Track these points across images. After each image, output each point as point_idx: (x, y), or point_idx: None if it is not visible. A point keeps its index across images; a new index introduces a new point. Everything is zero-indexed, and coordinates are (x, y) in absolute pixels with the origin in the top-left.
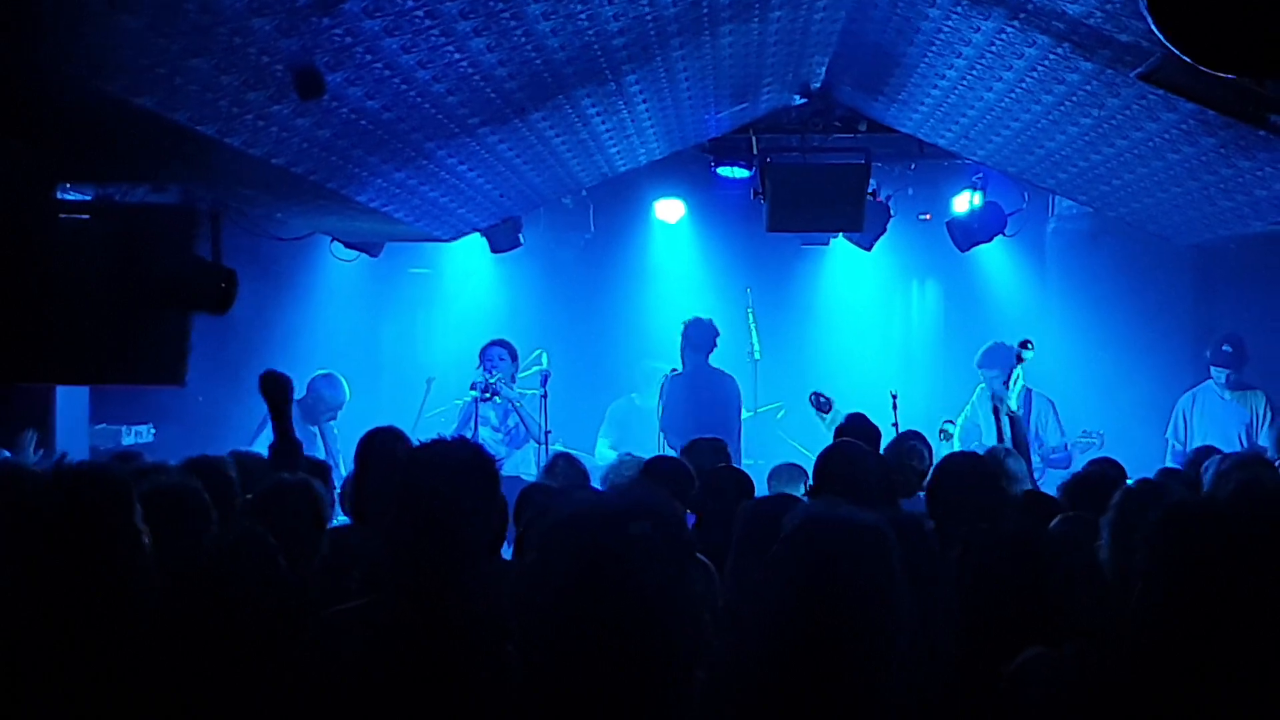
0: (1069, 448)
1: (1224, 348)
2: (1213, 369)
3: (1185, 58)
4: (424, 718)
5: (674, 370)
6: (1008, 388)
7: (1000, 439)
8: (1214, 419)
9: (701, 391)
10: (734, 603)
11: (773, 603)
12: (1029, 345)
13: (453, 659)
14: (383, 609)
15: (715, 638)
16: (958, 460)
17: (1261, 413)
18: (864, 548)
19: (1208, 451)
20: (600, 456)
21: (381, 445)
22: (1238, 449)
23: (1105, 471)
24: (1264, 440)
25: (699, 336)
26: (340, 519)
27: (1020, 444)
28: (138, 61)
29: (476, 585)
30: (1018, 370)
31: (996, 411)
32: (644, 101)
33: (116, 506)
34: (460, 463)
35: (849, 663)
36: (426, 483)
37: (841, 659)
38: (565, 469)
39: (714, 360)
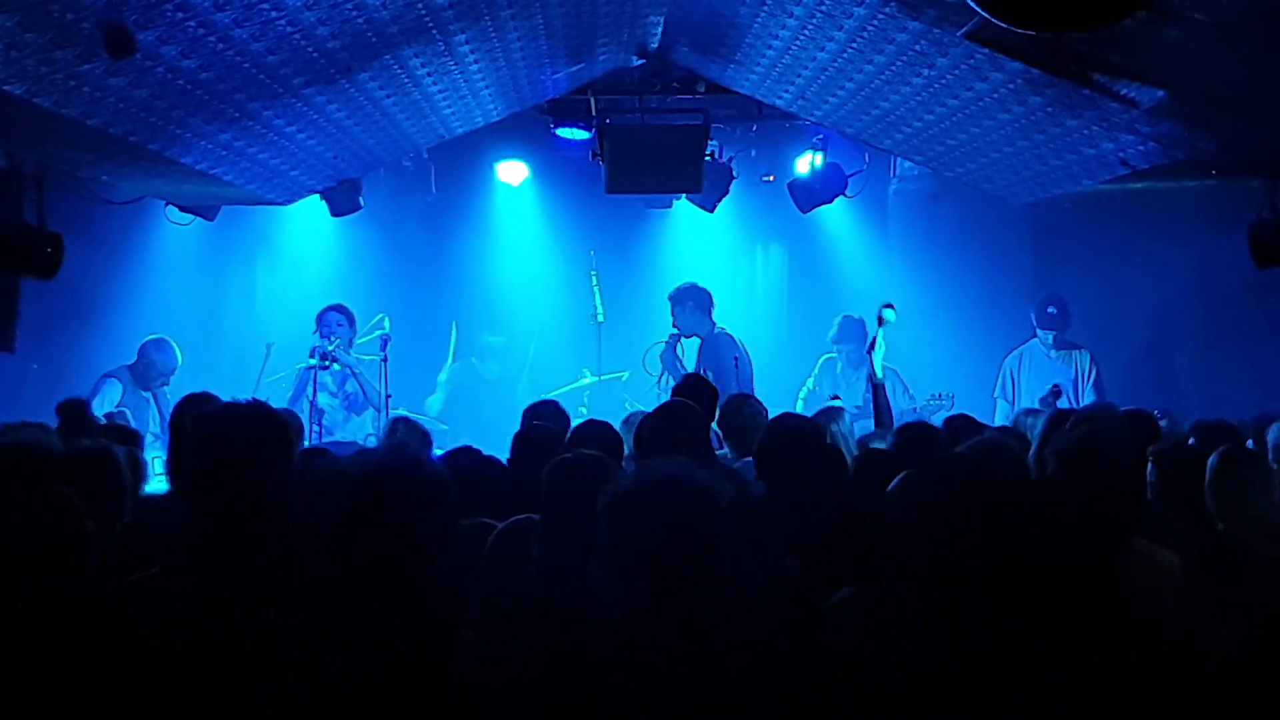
0: (918, 411)
1: (1048, 309)
2: (1038, 331)
3: (983, 13)
4: (221, 685)
5: (673, 335)
6: (869, 355)
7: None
8: (1040, 377)
9: (730, 350)
10: (547, 557)
11: (610, 561)
12: (891, 307)
13: (246, 625)
14: (178, 575)
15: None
16: (786, 422)
17: (1086, 370)
18: (698, 508)
19: (1029, 412)
20: (431, 408)
21: (194, 410)
22: (1065, 406)
23: (923, 428)
24: (1086, 399)
25: (702, 300)
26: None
27: (883, 413)
28: None
29: (270, 549)
30: (879, 332)
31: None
32: (476, 62)
33: None
34: (251, 424)
35: (687, 615)
36: (218, 445)
37: (680, 610)
38: (405, 432)
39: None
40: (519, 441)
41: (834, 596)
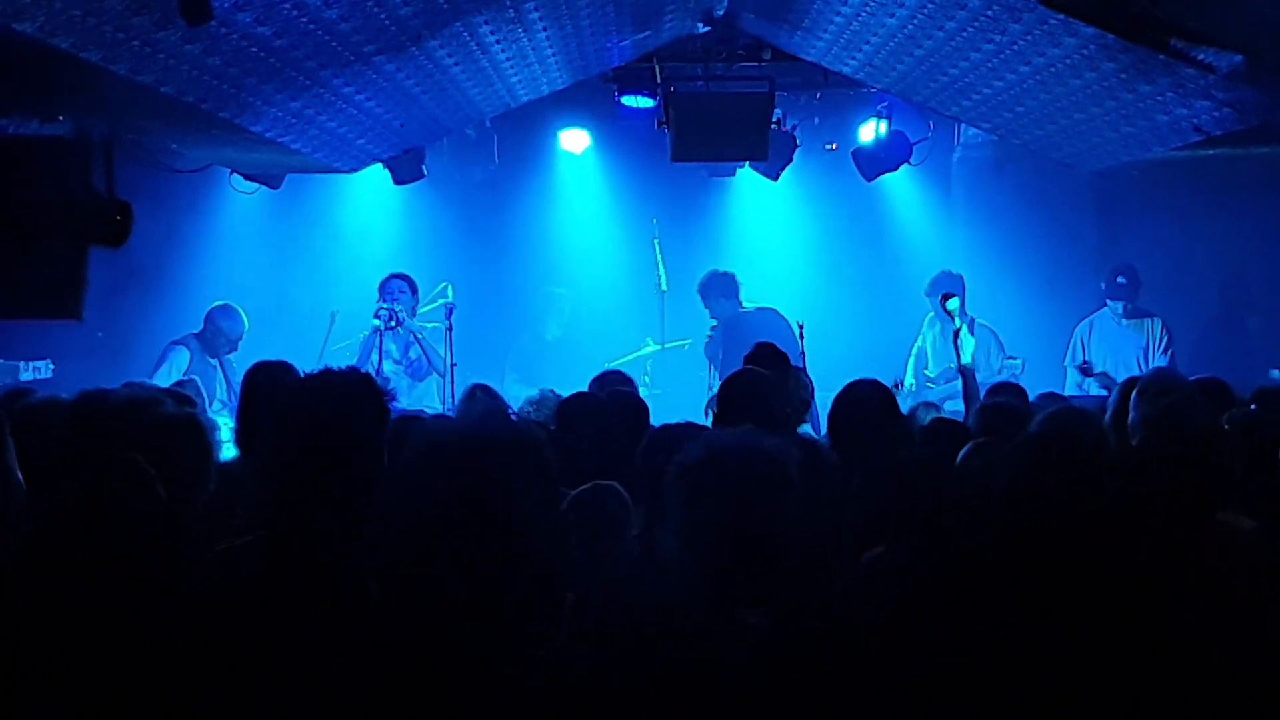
0: (1000, 372)
1: (1118, 280)
2: (1108, 301)
3: None
4: (308, 656)
5: (712, 328)
6: (955, 344)
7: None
8: (1111, 345)
9: (750, 333)
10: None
11: (683, 529)
12: (951, 297)
13: (333, 597)
14: (265, 546)
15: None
16: (858, 388)
17: (1158, 337)
18: (766, 475)
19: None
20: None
21: (268, 378)
22: (1135, 374)
23: (1011, 400)
24: (1157, 367)
25: (724, 286)
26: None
27: (972, 396)
28: None
29: (366, 518)
30: (962, 325)
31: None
32: (544, 29)
33: None
34: (349, 392)
35: (757, 582)
36: (315, 412)
37: (750, 578)
38: (484, 398)
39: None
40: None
41: (864, 555)
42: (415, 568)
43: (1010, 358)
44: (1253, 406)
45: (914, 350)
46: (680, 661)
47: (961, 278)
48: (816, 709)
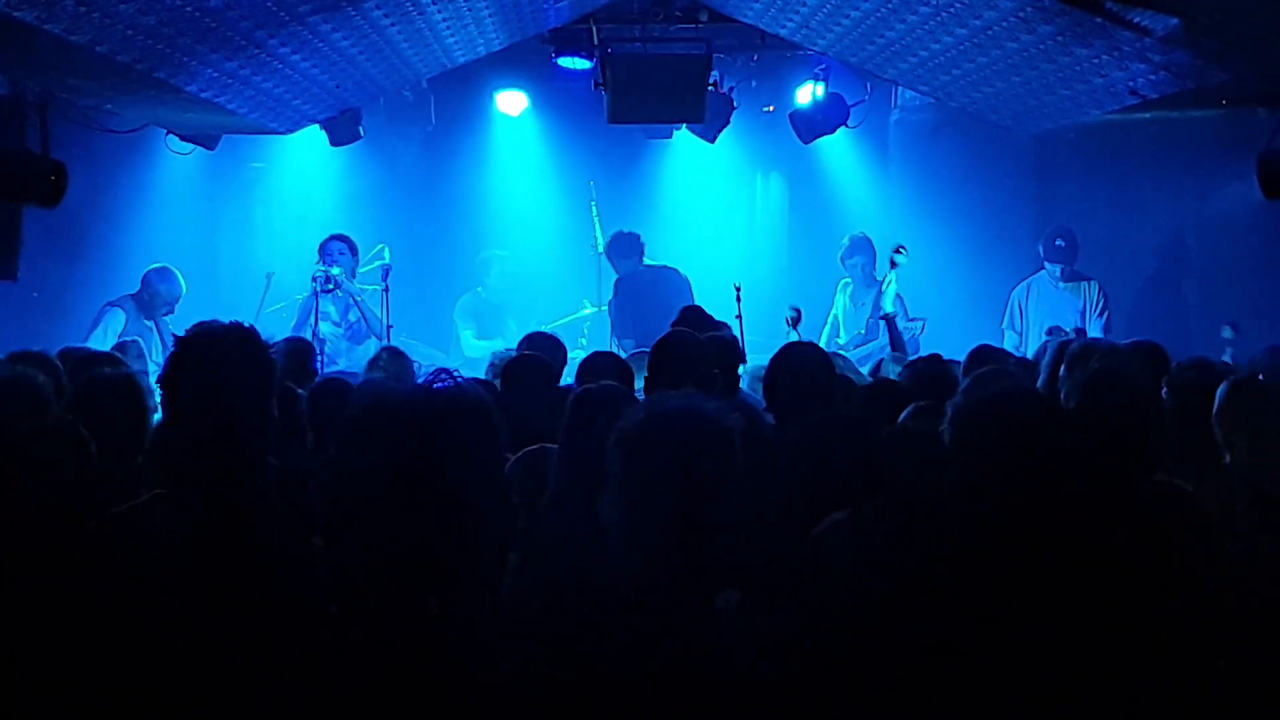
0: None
1: (1056, 242)
2: (1046, 264)
3: None
4: (218, 612)
5: (615, 284)
6: (879, 283)
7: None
8: (1048, 307)
9: (645, 289)
10: (561, 491)
11: (624, 495)
12: (902, 250)
13: (243, 551)
14: (171, 502)
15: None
16: (793, 351)
17: (1095, 300)
18: (710, 440)
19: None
20: (468, 347)
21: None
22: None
23: (937, 364)
24: (1094, 330)
25: (626, 246)
26: None
27: (897, 343)
28: None
29: (262, 474)
30: (891, 274)
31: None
32: None
33: None
34: (231, 345)
35: (696, 547)
36: (200, 368)
37: (689, 542)
38: (389, 362)
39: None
40: (509, 372)
41: (825, 520)
42: (357, 529)
43: (911, 320)
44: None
45: (829, 319)
46: (633, 629)
47: (870, 240)
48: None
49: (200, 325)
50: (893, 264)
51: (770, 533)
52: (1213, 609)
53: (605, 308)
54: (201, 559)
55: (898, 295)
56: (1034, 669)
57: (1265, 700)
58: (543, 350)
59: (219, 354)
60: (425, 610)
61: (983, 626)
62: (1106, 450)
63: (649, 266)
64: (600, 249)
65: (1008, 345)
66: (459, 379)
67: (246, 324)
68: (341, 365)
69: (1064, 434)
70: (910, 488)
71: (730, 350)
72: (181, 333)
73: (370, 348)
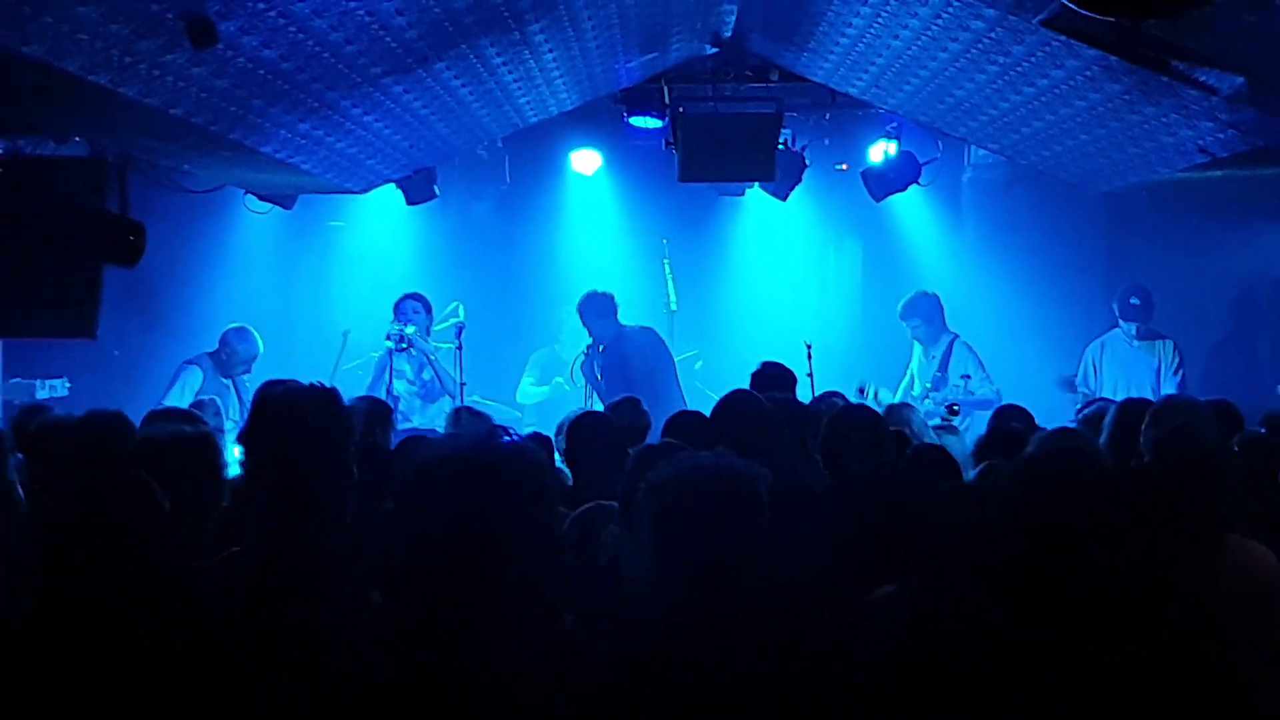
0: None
1: (1131, 300)
2: (1121, 323)
3: (1067, 2)
4: (285, 663)
5: (588, 347)
6: (948, 337)
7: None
8: (1122, 366)
9: (628, 354)
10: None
11: (651, 547)
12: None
13: (308, 603)
14: (243, 559)
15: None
16: (846, 412)
17: (1170, 359)
18: (733, 496)
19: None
20: (523, 395)
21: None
22: (1147, 396)
23: (1013, 426)
24: (1168, 389)
25: (603, 306)
26: None
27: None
28: (20, 9)
29: (337, 531)
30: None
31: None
32: (550, 50)
33: None
34: (309, 406)
35: (718, 602)
36: (276, 427)
37: (713, 593)
38: (468, 421)
39: (632, 308)
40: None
41: (875, 593)
42: (409, 583)
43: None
44: (1261, 430)
45: (906, 373)
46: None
47: (933, 297)
48: None
49: (280, 384)
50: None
51: (810, 594)
52: None
53: (694, 356)
54: (261, 617)
55: (969, 349)
56: None
57: None
58: (624, 412)
59: (298, 413)
60: (474, 669)
61: (1043, 687)
62: (1174, 508)
63: (627, 328)
64: (674, 307)
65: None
66: (515, 437)
67: (326, 384)
68: (415, 423)
69: (1124, 491)
70: (960, 550)
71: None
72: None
73: (444, 406)
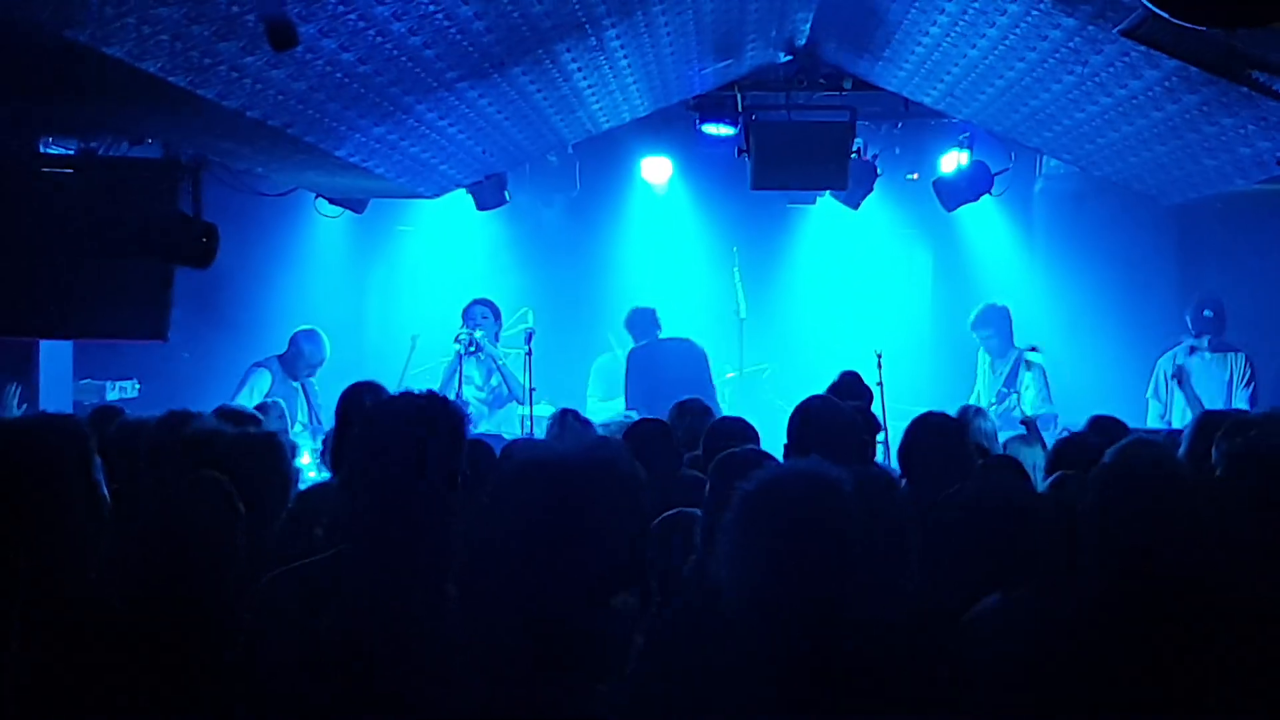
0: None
1: (1204, 313)
2: (1195, 334)
3: (1159, 11)
4: (385, 665)
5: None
6: (1017, 351)
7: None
8: (1194, 378)
9: (659, 362)
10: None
11: (735, 554)
12: (1036, 350)
13: (409, 606)
14: (345, 562)
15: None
16: (929, 420)
17: (1242, 371)
18: (824, 504)
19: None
20: (590, 411)
21: (360, 399)
22: (1219, 408)
23: (1086, 437)
24: (1239, 401)
25: (641, 323)
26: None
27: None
28: (104, 10)
29: (440, 535)
30: (1027, 377)
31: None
32: (625, 57)
33: (66, 458)
34: (425, 414)
35: (812, 608)
36: (392, 433)
37: (804, 605)
38: (574, 425)
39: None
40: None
41: (978, 606)
42: (498, 585)
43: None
44: None
45: (976, 385)
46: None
47: (1003, 310)
48: None
49: (401, 395)
50: (1027, 364)
51: (902, 603)
52: None
53: (764, 369)
54: (377, 614)
55: (1041, 370)
56: None
57: None
58: (693, 418)
59: (413, 419)
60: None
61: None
62: (1251, 521)
63: (663, 340)
64: (743, 315)
65: (1151, 415)
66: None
67: (434, 392)
68: (483, 429)
69: (1201, 503)
70: (1054, 560)
71: (865, 420)
72: (326, 394)
73: (511, 412)
